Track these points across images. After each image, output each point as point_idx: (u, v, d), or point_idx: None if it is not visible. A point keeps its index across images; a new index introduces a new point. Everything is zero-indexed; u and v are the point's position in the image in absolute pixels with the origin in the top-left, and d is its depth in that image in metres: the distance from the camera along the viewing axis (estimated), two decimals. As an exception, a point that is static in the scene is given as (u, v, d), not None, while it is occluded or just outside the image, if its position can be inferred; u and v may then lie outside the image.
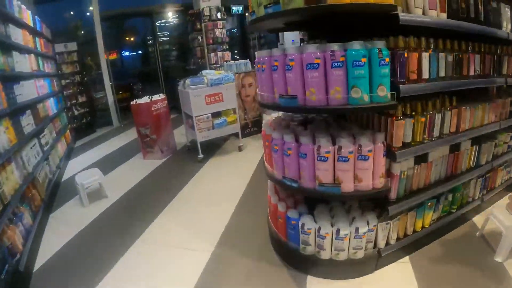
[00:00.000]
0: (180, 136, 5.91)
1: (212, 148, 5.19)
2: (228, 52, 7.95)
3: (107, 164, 5.03)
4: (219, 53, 7.84)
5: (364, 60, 1.66)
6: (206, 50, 7.79)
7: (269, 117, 2.65)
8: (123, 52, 10.20)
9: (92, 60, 8.49)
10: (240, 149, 5.02)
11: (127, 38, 10.34)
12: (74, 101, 7.39)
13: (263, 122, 2.52)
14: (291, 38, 10.85)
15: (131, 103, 5.02)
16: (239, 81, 5.31)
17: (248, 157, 4.72)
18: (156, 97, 5.06)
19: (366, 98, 1.73)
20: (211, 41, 7.66)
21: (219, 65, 7.71)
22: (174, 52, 10.00)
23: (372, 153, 1.88)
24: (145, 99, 5.00)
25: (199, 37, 7.56)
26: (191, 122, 4.62)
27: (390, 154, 1.97)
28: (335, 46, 1.71)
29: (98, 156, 5.59)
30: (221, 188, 3.79)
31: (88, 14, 7.65)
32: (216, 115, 4.70)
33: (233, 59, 7.76)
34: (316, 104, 1.80)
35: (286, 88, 1.89)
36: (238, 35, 10.85)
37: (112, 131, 7.62)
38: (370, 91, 1.74)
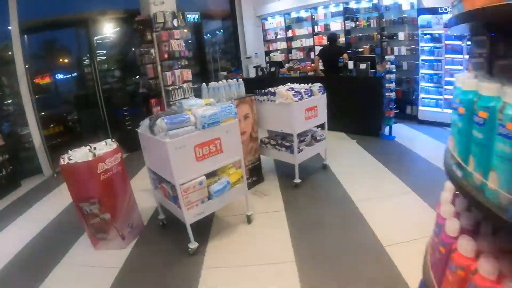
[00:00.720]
0: (141, 195, 3.59)
1: (204, 222, 2.97)
2: (187, 69, 5.93)
3: (37, 262, 2.76)
4: (177, 71, 5.79)
5: None
6: (159, 68, 5.69)
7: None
8: (56, 74, 7.57)
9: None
10: (249, 220, 3.00)
11: (61, 59, 7.68)
12: (-12, 147, 4.77)
13: (442, 210, 0.75)
14: (254, 50, 8.95)
15: (60, 161, 2.73)
16: (231, 111, 3.29)
17: (266, 235, 2.78)
18: (102, 148, 2.83)
19: None
20: (166, 55, 5.58)
21: (177, 87, 5.72)
22: (117, 72, 7.53)
23: None
24: (84, 153, 2.74)
25: (152, 51, 5.43)
26: (170, 191, 2.55)
27: None
28: None
29: (25, 239, 3.20)
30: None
31: (9, 27, 5.05)
32: (211, 174, 2.66)
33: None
34: None
35: None
36: (192, 49, 8.76)
37: (42, 185, 5.07)
38: None
